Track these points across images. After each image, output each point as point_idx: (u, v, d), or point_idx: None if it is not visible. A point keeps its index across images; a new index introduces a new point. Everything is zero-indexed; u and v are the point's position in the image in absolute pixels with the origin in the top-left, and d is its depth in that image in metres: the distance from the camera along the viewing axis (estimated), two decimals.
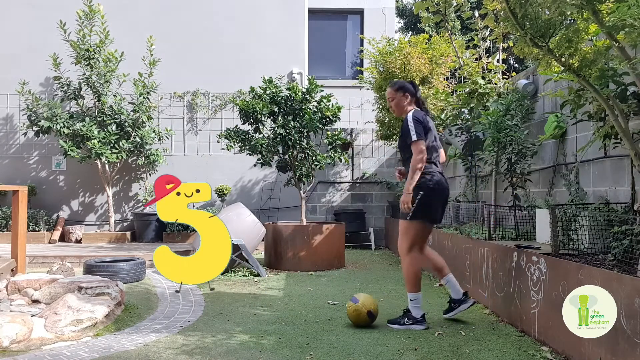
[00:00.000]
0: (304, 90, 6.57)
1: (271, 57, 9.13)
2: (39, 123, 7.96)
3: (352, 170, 9.15)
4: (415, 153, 3.46)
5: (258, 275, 5.66)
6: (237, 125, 6.82)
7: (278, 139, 6.41)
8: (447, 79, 7.26)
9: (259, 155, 6.62)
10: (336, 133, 6.90)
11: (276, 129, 6.44)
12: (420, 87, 6.66)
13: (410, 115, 3.59)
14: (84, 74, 8.00)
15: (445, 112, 6.39)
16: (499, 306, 3.79)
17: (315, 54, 10.10)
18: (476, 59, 6.00)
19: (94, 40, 8.10)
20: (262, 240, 6.44)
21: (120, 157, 8.15)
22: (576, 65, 2.88)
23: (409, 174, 3.51)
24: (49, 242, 8.21)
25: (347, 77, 10.44)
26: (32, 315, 3.36)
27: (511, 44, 4.96)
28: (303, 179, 6.69)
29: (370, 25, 10.05)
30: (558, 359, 2.84)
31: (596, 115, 3.19)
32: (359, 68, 9.01)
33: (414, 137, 3.48)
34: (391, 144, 8.34)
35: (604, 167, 3.69)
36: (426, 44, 6.86)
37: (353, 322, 3.59)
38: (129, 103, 8.36)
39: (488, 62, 5.58)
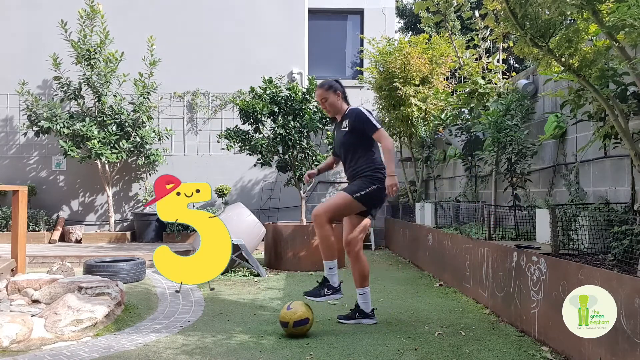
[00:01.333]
0: (304, 90, 6.57)
1: (271, 57, 9.13)
2: (38, 123, 7.96)
3: None
4: (385, 138, 3.51)
5: (258, 275, 5.66)
6: (237, 125, 6.82)
7: (278, 139, 6.42)
8: (447, 79, 7.26)
9: (259, 155, 6.62)
10: None
11: (276, 129, 6.44)
12: (420, 87, 6.72)
13: (361, 108, 3.65)
14: (84, 74, 8.00)
15: (445, 112, 6.39)
16: (499, 306, 3.79)
17: (315, 54, 10.10)
18: (476, 59, 6.00)
19: (94, 40, 8.10)
20: (262, 240, 6.43)
21: (120, 157, 8.15)
22: (576, 65, 2.88)
23: (388, 157, 3.49)
24: (49, 242, 8.21)
25: (347, 77, 10.43)
26: (32, 315, 3.36)
27: (511, 44, 4.96)
28: (303, 179, 6.69)
29: (370, 25, 10.04)
30: (558, 359, 2.84)
31: (596, 115, 3.19)
32: (359, 68, 9.01)
33: (378, 126, 3.53)
34: None
35: (604, 167, 3.69)
36: (426, 44, 6.87)
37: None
38: (129, 103, 8.36)
39: (488, 62, 5.58)
